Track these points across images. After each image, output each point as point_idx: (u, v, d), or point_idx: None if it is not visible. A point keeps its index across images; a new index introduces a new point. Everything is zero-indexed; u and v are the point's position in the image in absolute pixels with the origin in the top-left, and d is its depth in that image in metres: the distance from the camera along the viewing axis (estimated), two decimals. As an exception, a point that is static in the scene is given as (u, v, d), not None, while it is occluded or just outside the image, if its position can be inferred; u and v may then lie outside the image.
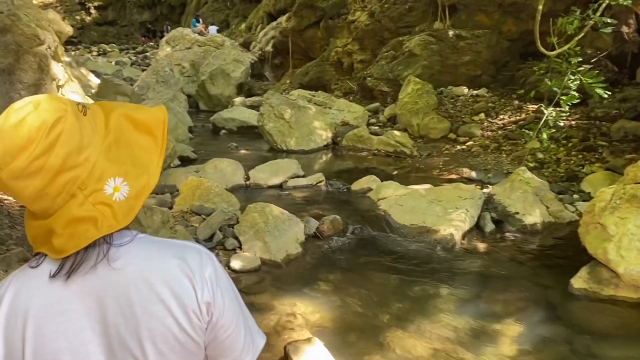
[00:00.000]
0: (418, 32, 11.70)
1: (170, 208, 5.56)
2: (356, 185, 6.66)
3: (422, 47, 11.13)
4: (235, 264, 4.45)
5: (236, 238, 4.90)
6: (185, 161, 8.10)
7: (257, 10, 20.24)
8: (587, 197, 5.98)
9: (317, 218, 5.41)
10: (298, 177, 7.12)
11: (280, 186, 6.94)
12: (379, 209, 5.77)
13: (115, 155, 0.92)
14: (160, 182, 6.52)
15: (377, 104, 11.58)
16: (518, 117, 9.16)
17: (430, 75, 10.85)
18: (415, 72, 10.75)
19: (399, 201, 5.77)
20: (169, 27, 26.38)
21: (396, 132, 9.13)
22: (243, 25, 21.00)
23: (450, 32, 11.10)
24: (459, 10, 11.62)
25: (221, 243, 4.84)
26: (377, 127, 10.19)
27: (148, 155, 0.95)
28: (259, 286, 4.24)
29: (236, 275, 4.32)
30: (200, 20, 21.58)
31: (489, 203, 5.83)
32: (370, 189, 6.42)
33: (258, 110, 10.36)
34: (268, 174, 7.07)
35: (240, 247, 4.80)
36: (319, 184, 6.91)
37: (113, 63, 22.78)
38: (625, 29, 7.89)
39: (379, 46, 12.82)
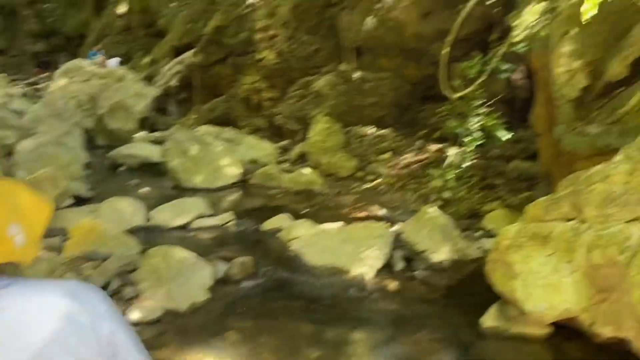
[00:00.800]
0: (326, 73, 11.91)
1: (60, 254, 5.01)
2: (267, 225, 6.44)
3: (329, 87, 11.32)
4: (134, 315, 4.03)
5: (135, 286, 4.48)
6: (79, 200, 7.44)
7: (162, 44, 19.75)
8: (489, 235, 6.20)
9: (227, 260, 5.13)
10: (205, 216, 6.77)
11: (185, 227, 6.54)
12: (291, 250, 5.61)
13: (8, 208, 0.93)
14: (49, 224, 5.90)
15: (286, 142, 11.54)
16: (421, 157, 9.50)
17: (338, 115, 11.01)
18: (323, 112, 10.87)
19: (310, 241, 5.64)
20: (64, 59, 25.01)
21: (306, 170, 9.09)
22: (147, 59, 20.36)
23: (356, 74, 11.41)
24: (363, 53, 12.02)
25: (117, 292, 4.39)
26: (287, 165, 10.12)
27: (31, 227, 0.97)
28: (160, 340, 3.85)
29: (134, 328, 3.90)
30: (100, 52, 20.62)
31: (398, 241, 5.84)
32: (281, 229, 6.23)
33: (162, 146, 9.89)
34: (172, 214, 6.66)
35: (139, 296, 4.37)
36: (228, 224, 6.61)
37: (0, 94, 21.04)
38: (516, 75, 8.56)
39: (288, 84, 12.89)
